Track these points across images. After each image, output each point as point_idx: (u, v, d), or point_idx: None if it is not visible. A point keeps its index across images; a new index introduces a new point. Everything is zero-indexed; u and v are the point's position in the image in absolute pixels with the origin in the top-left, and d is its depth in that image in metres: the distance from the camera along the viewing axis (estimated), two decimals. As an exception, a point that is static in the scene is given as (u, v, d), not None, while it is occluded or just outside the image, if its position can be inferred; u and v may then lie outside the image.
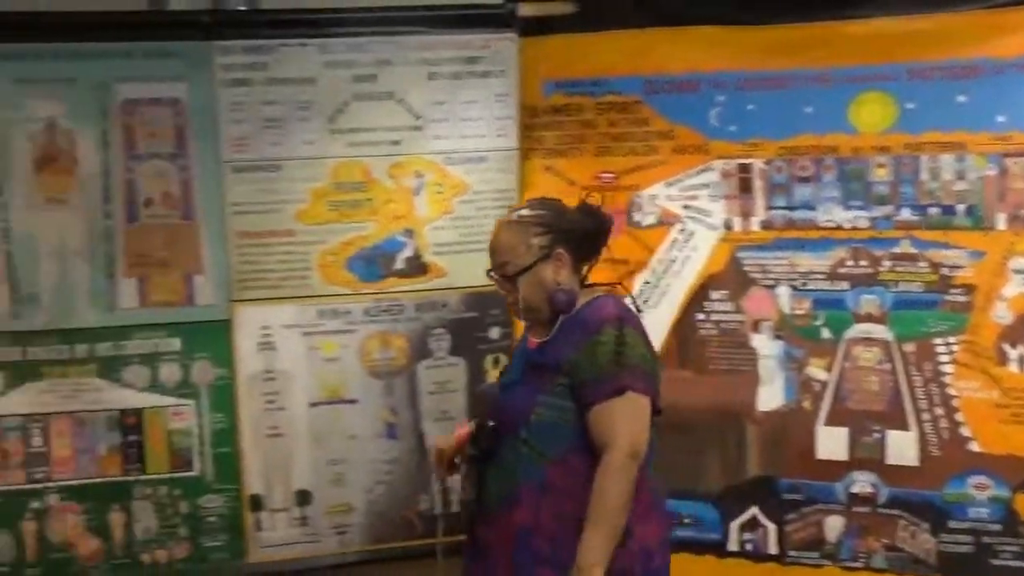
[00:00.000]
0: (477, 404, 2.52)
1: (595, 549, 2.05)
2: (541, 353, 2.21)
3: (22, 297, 2.71)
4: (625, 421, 2.11)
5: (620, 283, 2.35)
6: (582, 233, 2.25)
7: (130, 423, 2.80)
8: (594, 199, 2.30)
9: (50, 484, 2.77)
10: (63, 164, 2.70)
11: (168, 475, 2.82)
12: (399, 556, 2.92)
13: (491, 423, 2.23)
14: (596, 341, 2.13)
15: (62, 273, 2.72)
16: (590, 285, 2.31)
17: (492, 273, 2.28)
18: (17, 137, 2.67)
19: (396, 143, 2.83)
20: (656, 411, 2.20)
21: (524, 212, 2.28)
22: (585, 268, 2.31)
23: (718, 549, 2.87)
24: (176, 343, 2.80)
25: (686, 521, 2.88)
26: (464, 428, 2.45)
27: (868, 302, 2.75)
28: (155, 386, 2.80)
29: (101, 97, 2.69)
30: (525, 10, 2.84)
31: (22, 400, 2.75)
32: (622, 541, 2.08)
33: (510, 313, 2.31)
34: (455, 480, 2.44)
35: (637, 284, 2.88)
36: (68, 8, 2.71)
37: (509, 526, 2.17)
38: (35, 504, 2.76)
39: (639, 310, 2.31)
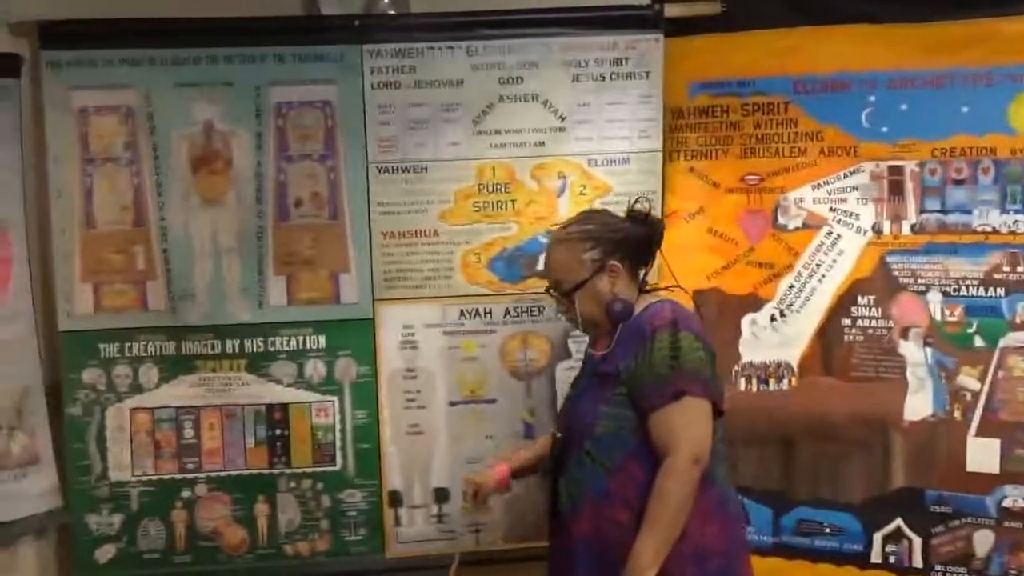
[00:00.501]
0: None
1: (648, 552, 2.06)
2: (603, 362, 2.24)
3: (177, 294, 2.80)
4: (685, 426, 2.11)
5: (679, 285, 2.35)
6: (634, 241, 2.28)
7: (276, 417, 2.87)
8: (642, 205, 2.32)
9: (200, 475, 2.86)
10: (218, 165, 2.78)
11: (311, 469, 2.88)
12: (534, 556, 2.91)
13: (558, 434, 2.28)
14: (651, 347, 2.14)
15: (215, 271, 2.81)
16: (650, 290, 2.32)
17: (551, 291, 2.31)
18: (176, 139, 2.77)
19: (540, 144, 2.83)
20: (719, 413, 2.19)
21: (572, 228, 2.30)
22: (643, 273, 2.33)
23: (860, 560, 2.80)
24: (321, 340, 2.86)
25: (827, 531, 2.82)
26: (502, 465, 2.52)
27: (1025, 310, 2.66)
28: (300, 382, 2.87)
29: (256, 100, 2.77)
30: (671, 11, 2.81)
31: (175, 393, 2.85)
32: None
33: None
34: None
35: (781, 288, 2.84)
36: (226, 14, 2.78)
37: (573, 536, 2.22)
38: (185, 493, 2.86)
39: (700, 312, 2.33)
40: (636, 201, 2.35)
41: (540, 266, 2.36)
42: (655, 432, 2.13)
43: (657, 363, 2.12)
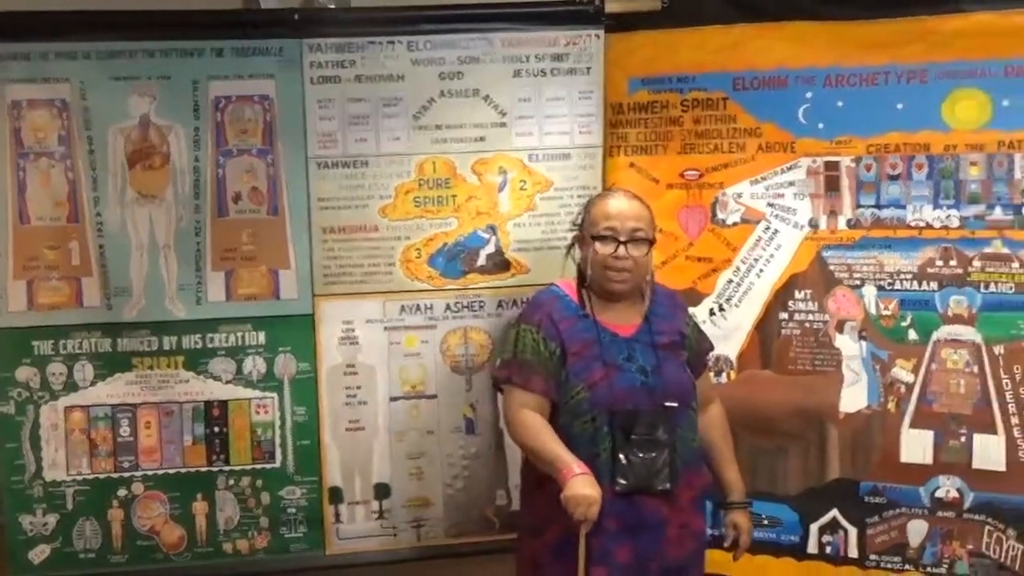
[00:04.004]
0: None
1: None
2: (661, 333, 2.43)
3: (114, 290, 2.76)
4: None
5: None
6: None
7: (215, 414, 2.84)
8: None
9: (136, 473, 2.83)
10: (155, 160, 2.74)
11: (250, 466, 2.86)
12: (476, 552, 2.93)
13: (671, 404, 2.36)
14: (693, 317, 2.62)
15: (152, 267, 2.77)
16: None
17: (635, 233, 2.39)
18: (112, 133, 2.72)
19: (481, 140, 2.83)
20: None
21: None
22: None
23: (797, 551, 2.84)
24: (261, 336, 2.83)
25: (765, 522, 2.85)
26: (581, 467, 2.22)
27: (957, 303, 2.70)
28: (239, 378, 2.84)
29: (193, 94, 2.73)
30: (612, 7, 2.82)
31: (111, 390, 2.81)
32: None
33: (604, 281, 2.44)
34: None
35: (720, 283, 2.87)
36: (162, 7, 2.74)
37: (692, 489, 2.42)
38: (122, 492, 2.82)
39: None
40: None
41: (617, 203, 2.45)
42: (706, 384, 2.61)
43: (700, 329, 2.62)
